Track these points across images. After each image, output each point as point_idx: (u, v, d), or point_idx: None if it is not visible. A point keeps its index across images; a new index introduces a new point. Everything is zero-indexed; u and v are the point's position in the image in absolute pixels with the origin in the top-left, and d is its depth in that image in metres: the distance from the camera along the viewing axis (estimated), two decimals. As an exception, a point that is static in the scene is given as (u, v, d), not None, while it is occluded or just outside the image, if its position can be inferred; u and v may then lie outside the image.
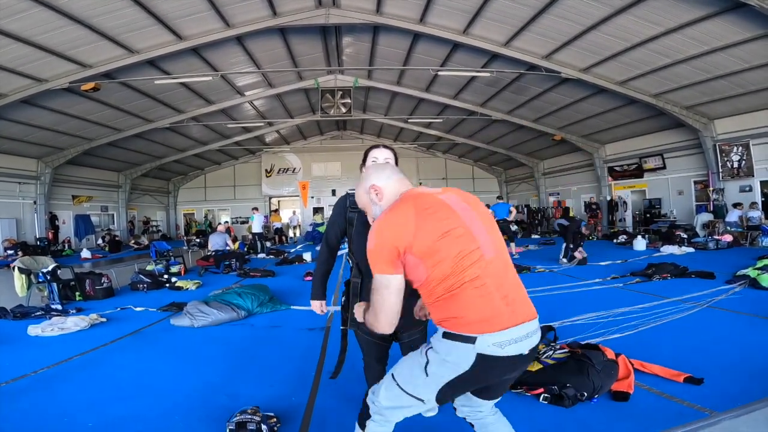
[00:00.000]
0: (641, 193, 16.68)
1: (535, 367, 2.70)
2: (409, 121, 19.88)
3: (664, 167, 15.11)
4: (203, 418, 2.55)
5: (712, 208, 12.91)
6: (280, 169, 25.75)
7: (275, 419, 2.39)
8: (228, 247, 9.75)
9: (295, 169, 25.75)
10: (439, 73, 13.14)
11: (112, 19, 9.33)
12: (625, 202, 17.22)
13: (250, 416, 2.32)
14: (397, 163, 2.12)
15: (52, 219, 17.07)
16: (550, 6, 9.10)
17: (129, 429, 2.46)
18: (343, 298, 2.14)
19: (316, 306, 2.23)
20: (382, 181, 1.53)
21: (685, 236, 11.11)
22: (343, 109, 15.13)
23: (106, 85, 11.76)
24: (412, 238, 1.29)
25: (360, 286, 2.01)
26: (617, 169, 17.13)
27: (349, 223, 2.08)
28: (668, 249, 10.08)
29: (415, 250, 1.29)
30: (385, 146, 2.15)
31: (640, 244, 11.01)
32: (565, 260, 8.78)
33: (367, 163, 2.12)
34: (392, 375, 1.47)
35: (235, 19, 10.59)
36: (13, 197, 15.32)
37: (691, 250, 10.10)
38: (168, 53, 11.05)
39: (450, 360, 1.29)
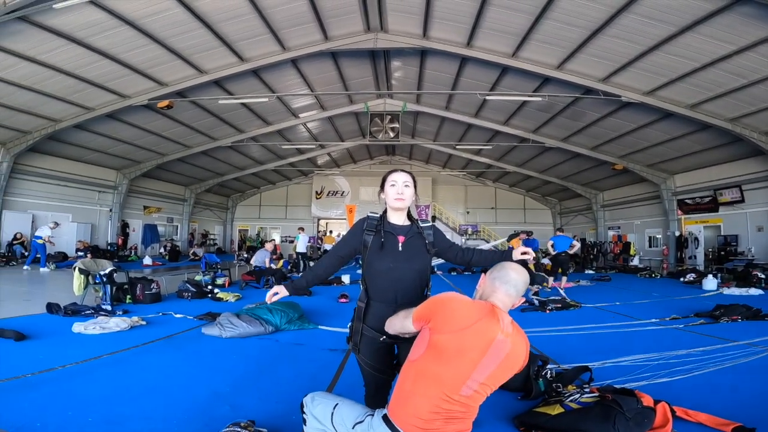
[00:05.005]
0: (716, 228, 15.06)
1: (556, 410, 2.38)
2: (458, 147, 19.71)
3: (742, 200, 13.60)
4: (200, 425, 2.52)
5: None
6: (329, 192, 26.46)
7: (265, 436, 2.29)
8: (269, 264, 10.02)
9: (343, 192, 26.34)
10: (488, 97, 12.96)
11: (186, 39, 10.25)
12: (696, 239, 15.59)
13: (240, 429, 2.24)
14: (416, 188, 2.08)
15: (124, 226, 18.71)
16: (605, 27, 8.74)
17: (125, 428, 2.48)
18: (349, 324, 2.10)
19: (278, 289, 2.10)
20: (495, 285, 1.66)
21: (763, 276, 9.82)
22: (392, 134, 15.35)
23: (178, 103, 12.88)
24: (446, 328, 1.48)
25: (364, 311, 1.98)
26: (688, 201, 15.68)
27: (363, 245, 2.02)
28: (740, 290, 8.96)
29: (434, 331, 1.50)
30: (404, 170, 2.12)
31: (710, 283, 9.85)
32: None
33: (385, 187, 2.08)
34: (336, 405, 1.72)
35: (290, 42, 11.25)
36: (92, 204, 17.08)
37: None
38: (232, 74, 11.95)
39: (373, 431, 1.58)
